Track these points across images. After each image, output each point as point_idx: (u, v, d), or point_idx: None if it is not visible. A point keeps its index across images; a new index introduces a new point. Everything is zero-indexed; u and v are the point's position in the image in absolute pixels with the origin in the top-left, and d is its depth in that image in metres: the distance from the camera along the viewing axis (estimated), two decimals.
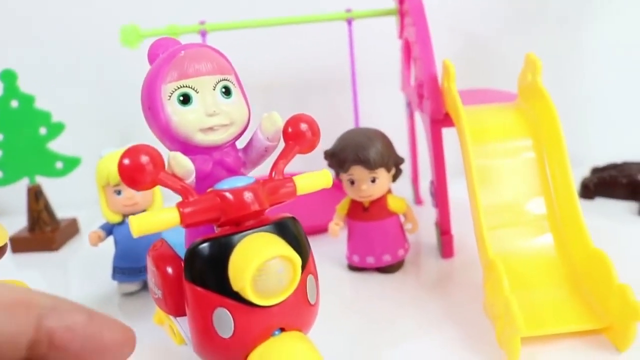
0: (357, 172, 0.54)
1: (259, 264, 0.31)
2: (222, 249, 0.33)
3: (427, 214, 0.69)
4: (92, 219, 0.72)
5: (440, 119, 0.57)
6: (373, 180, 0.54)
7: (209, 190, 0.34)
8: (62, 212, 0.76)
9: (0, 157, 0.69)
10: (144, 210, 0.56)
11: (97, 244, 0.56)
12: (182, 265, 0.35)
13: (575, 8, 0.83)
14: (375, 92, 0.81)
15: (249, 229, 0.33)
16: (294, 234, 0.35)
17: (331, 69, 0.77)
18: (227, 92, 0.36)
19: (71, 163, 0.71)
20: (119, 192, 0.55)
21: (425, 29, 0.59)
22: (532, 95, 0.55)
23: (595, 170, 0.77)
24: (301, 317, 0.36)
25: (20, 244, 0.70)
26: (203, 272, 0.33)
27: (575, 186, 0.50)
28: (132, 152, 0.31)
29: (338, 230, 0.57)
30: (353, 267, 0.58)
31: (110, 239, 0.57)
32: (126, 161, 0.31)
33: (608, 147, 0.85)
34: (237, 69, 0.38)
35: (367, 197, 0.55)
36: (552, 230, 0.51)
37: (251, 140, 0.38)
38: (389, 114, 0.76)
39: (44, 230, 0.70)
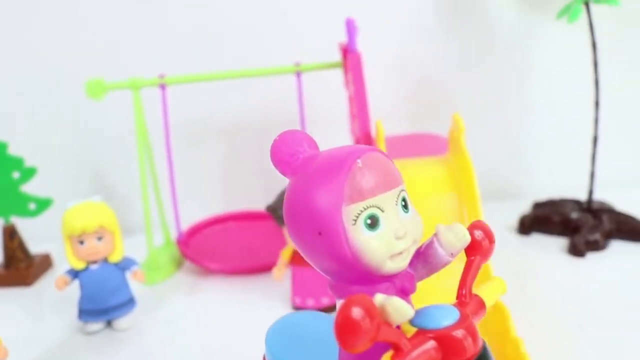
0: None
1: None
2: None
3: None
4: (64, 252, 0.78)
5: None
6: None
7: (418, 331, 0.29)
8: (35, 245, 0.82)
9: None
10: (105, 258, 0.62)
11: (63, 288, 0.62)
12: None
13: (519, 47, 0.88)
14: (330, 138, 0.86)
15: None
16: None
17: (291, 116, 0.82)
18: (405, 205, 0.31)
19: (43, 204, 0.76)
20: (82, 242, 0.61)
21: (362, 88, 0.64)
22: (457, 151, 0.61)
23: (536, 206, 0.82)
24: None
25: None
26: None
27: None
28: (345, 310, 0.24)
29: (280, 275, 0.62)
30: (295, 308, 0.64)
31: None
32: (341, 321, 0.24)
33: (553, 180, 0.91)
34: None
35: None
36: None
37: (425, 255, 0.32)
38: None
39: (18, 267, 0.76)
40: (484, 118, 0.90)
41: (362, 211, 0.29)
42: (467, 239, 0.32)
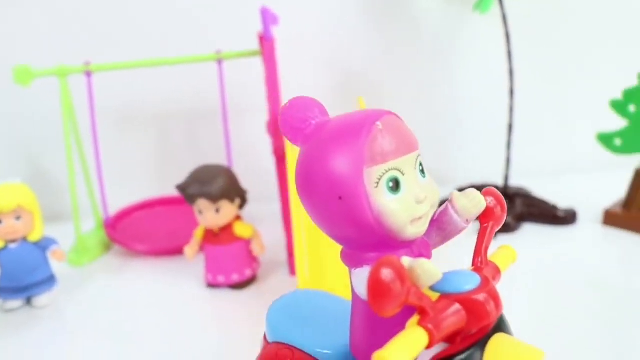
0: (202, 204, 0.62)
1: None
2: None
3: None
4: None
5: (282, 155, 0.65)
6: (217, 211, 0.62)
7: (442, 296, 0.28)
8: None
9: None
10: (24, 237, 0.64)
11: None
12: None
13: (443, 39, 0.91)
14: (255, 125, 0.88)
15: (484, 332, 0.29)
16: (508, 324, 0.31)
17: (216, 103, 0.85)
18: (422, 170, 0.31)
19: None
20: (0, 222, 0.63)
21: (274, 74, 0.67)
22: None
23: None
24: None
25: None
26: None
27: None
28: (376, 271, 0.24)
29: (192, 254, 0.65)
30: (209, 285, 0.66)
31: None
32: (373, 284, 0.24)
33: (476, 167, 0.94)
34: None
35: (214, 225, 0.63)
36: None
37: (439, 222, 0.32)
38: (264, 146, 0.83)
39: None
40: (410, 107, 0.93)
41: (384, 173, 0.28)
42: (483, 204, 0.31)
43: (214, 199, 0.61)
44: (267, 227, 0.73)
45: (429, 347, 0.26)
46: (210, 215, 0.62)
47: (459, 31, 0.91)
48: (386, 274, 0.24)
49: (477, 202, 0.31)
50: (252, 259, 0.66)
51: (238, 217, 0.65)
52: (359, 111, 0.31)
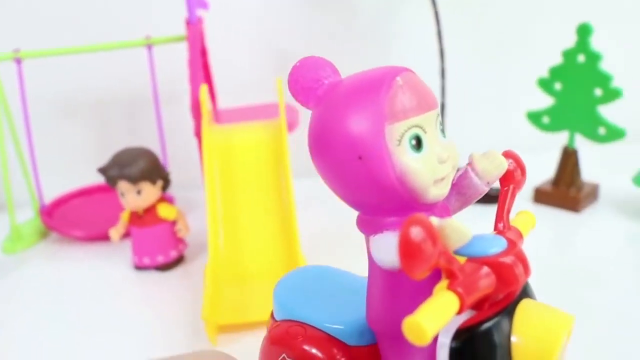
0: (123, 186, 0.62)
1: (562, 344, 0.26)
2: (503, 332, 0.27)
3: None
4: None
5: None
6: (138, 193, 0.63)
7: (469, 260, 0.27)
8: None
9: None
10: None
11: None
12: None
13: (378, 21, 0.92)
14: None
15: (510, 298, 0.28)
16: (532, 289, 0.30)
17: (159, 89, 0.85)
18: (442, 129, 0.29)
19: None
20: None
21: (195, 57, 0.67)
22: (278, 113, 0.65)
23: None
24: None
25: None
26: None
27: (293, 197, 0.59)
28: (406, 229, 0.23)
29: (117, 236, 0.66)
30: (136, 267, 0.67)
31: None
32: (405, 243, 0.23)
33: None
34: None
35: (137, 207, 0.64)
36: (274, 235, 0.61)
37: (459, 186, 0.31)
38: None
39: None
40: None
41: (406, 130, 0.27)
42: (504, 165, 0.30)
43: (133, 180, 0.62)
44: (202, 212, 0.73)
45: (459, 312, 0.24)
46: (132, 197, 0.63)
47: (394, 14, 0.92)
48: (417, 232, 0.23)
49: (499, 164, 0.30)
50: (178, 240, 0.67)
51: (162, 199, 0.66)
52: (374, 69, 0.29)
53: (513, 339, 0.27)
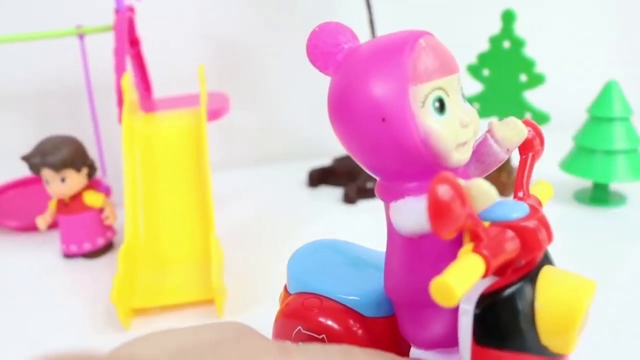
0: (47, 174, 0.63)
1: (585, 309, 0.26)
2: (526, 297, 0.27)
3: None
4: None
5: None
6: (63, 180, 0.63)
7: (492, 224, 0.27)
8: None
9: None
10: None
11: None
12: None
13: (316, 9, 0.93)
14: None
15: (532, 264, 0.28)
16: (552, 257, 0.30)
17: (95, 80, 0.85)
18: (463, 94, 0.30)
19: None
20: None
21: (122, 44, 0.67)
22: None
23: (335, 160, 0.87)
24: None
25: None
26: (509, 329, 0.27)
27: (210, 184, 0.60)
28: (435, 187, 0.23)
29: (43, 224, 0.66)
30: (64, 255, 0.67)
31: None
32: (434, 201, 0.23)
33: None
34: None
35: (62, 195, 0.64)
36: (192, 221, 0.61)
37: (478, 154, 0.31)
38: None
39: None
40: (288, 77, 0.94)
41: (429, 92, 0.27)
42: (524, 132, 0.30)
43: (56, 168, 0.62)
44: None
45: (485, 274, 0.24)
46: (56, 185, 0.63)
47: (332, 3, 0.93)
48: (445, 190, 0.23)
49: (520, 130, 0.30)
50: (105, 228, 0.67)
51: (89, 187, 0.66)
52: (394, 32, 0.29)
53: (536, 304, 0.27)
